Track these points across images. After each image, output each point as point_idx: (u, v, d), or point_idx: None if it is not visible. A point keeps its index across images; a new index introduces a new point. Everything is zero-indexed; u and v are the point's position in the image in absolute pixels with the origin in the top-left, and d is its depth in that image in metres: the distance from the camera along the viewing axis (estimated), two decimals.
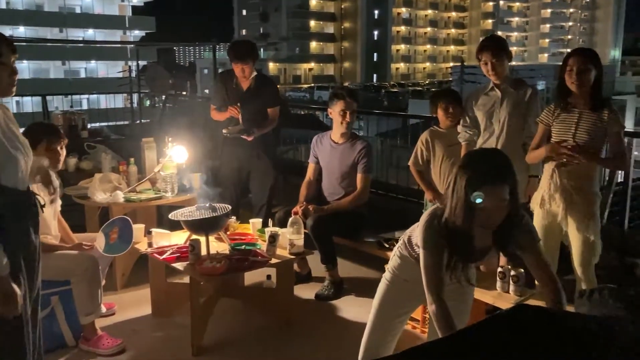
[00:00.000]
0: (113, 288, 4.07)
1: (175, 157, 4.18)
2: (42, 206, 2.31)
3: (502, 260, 3.55)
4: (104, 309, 3.31)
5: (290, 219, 3.44)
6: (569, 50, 4.28)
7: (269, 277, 3.84)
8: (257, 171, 4.53)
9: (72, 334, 3.27)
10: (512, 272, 3.08)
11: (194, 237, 3.34)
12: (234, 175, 4.54)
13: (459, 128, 3.62)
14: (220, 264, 3.09)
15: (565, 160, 3.00)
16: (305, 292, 4.06)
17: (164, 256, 3.31)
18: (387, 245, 3.78)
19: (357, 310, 3.75)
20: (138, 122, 9.65)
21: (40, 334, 2.32)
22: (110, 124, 9.71)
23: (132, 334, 3.44)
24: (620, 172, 4.39)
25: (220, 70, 7.08)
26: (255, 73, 4.42)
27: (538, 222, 3.21)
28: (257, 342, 3.38)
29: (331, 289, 4.00)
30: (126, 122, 10.80)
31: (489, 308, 3.29)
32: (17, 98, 28.47)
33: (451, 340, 1.36)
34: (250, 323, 3.63)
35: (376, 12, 62.59)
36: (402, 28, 67.54)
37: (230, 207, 3.49)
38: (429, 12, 70.05)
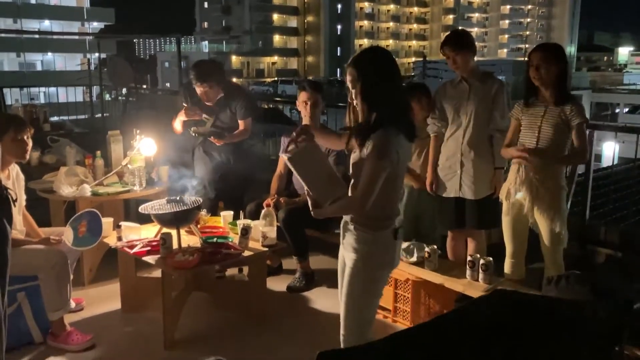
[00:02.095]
0: (80, 284, 4.00)
1: (143, 149, 4.11)
2: (14, 200, 2.25)
3: (471, 249, 3.65)
4: (73, 305, 3.25)
5: (263, 212, 3.44)
6: (527, 45, 4.36)
7: (240, 270, 3.83)
8: (228, 185, 4.29)
9: (39, 330, 3.20)
10: (482, 261, 3.16)
11: (165, 230, 3.31)
12: (207, 178, 4.38)
13: (429, 120, 3.67)
14: (192, 257, 3.06)
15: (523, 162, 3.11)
16: (277, 284, 4.06)
17: (135, 250, 3.26)
18: None
19: (328, 301, 3.77)
20: (98, 115, 9.45)
21: (5, 331, 2.26)
22: (71, 117, 9.48)
23: (102, 330, 3.39)
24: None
25: (183, 64, 6.92)
26: (221, 95, 4.13)
27: (506, 213, 3.29)
28: (230, 335, 3.37)
29: (303, 281, 4.01)
30: (86, 116, 10.56)
31: (459, 297, 3.37)
32: None
33: (436, 324, 1.40)
34: (222, 316, 3.61)
35: (339, 6, 62.70)
36: (365, 23, 67.92)
37: (201, 200, 3.46)
38: (392, 7, 70.60)
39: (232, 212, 3.76)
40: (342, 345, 2.33)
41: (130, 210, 4.51)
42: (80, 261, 3.92)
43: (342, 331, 2.35)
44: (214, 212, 4.05)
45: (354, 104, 2.28)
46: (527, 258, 3.41)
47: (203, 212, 3.77)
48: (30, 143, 3.21)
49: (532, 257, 3.40)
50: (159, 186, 4.28)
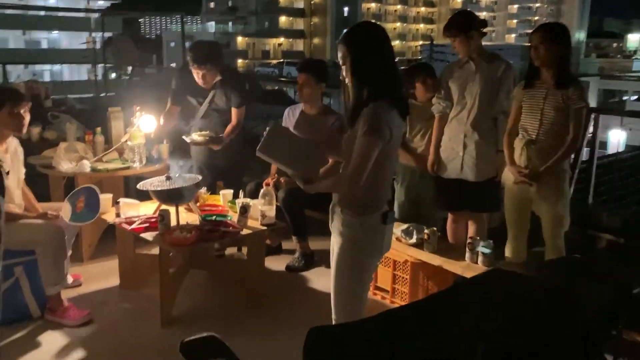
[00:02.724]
0: (79, 260, 4.00)
1: (143, 126, 4.08)
2: (7, 173, 2.23)
3: (471, 231, 3.62)
4: (70, 280, 3.25)
5: (262, 191, 3.41)
6: None
7: (239, 249, 3.82)
8: (227, 173, 4.23)
9: (37, 305, 3.20)
10: (481, 243, 3.13)
11: (163, 207, 3.29)
12: (205, 158, 4.32)
13: (434, 100, 3.62)
14: (190, 234, 3.05)
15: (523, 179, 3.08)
16: (276, 263, 4.05)
17: (133, 226, 3.25)
18: None
19: (327, 281, 3.71)
20: (103, 95, 9.42)
21: None
22: (75, 96, 9.46)
23: (100, 306, 3.39)
24: (586, 150, 4.49)
25: (187, 44, 6.78)
26: (218, 78, 3.99)
27: (508, 196, 3.25)
28: (227, 314, 3.37)
29: (302, 261, 4.00)
30: (90, 95, 10.52)
31: (457, 279, 3.35)
32: None
33: (429, 301, 1.37)
34: (220, 294, 3.61)
35: None
36: (372, 5, 67.23)
37: (200, 177, 3.44)
38: None
39: (231, 191, 3.74)
40: None
41: (130, 187, 4.48)
42: (79, 237, 3.92)
43: (333, 316, 2.32)
44: (213, 190, 4.03)
45: (345, 81, 2.23)
46: (529, 242, 3.39)
47: (203, 190, 3.75)
48: (27, 117, 3.18)
49: (534, 241, 3.37)
50: (159, 163, 4.26)
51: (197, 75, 3.94)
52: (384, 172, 2.22)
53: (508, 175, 3.23)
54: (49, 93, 6.05)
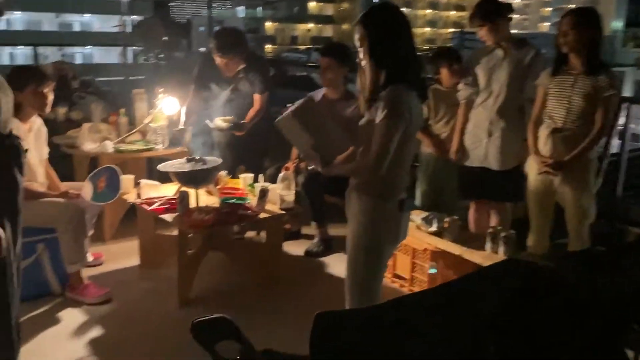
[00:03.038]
0: (101, 239, 4.04)
1: (165, 109, 4.09)
2: (25, 151, 2.25)
3: (494, 222, 3.55)
4: (90, 258, 3.29)
5: (281, 175, 3.39)
6: None
7: (258, 233, 3.82)
8: (248, 157, 4.16)
9: (58, 282, 3.24)
10: (503, 233, 3.07)
11: (184, 189, 3.30)
12: (227, 142, 4.31)
13: (460, 86, 3.55)
14: (209, 215, 3.05)
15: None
16: (295, 248, 4.04)
17: (153, 207, 3.27)
18: None
19: (345, 268, 3.73)
20: (133, 78, 9.47)
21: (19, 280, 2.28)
22: (103, 78, 9.54)
23: (119, 285, 3.42)
24: (617, 142, 4.37)
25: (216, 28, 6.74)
26: (242, 66, 3.97)
27: (531, 187, 3.18)
28: (244, 296, 3.37)
29: (320, 246, 3.98)
30: (120, 78, 10.59)
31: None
32: (9, 49, 27.99)
33: (442, 289, 1.33)
34: (237, 277, 3.62)
35: None
36: None
37: (220, 160, 3.43)
38: None
39: (251, 175, 3.73)
40: None
41: (152, 169, 4.51)
42: (101, 217, 3.96)
43: (346, 303, 2.29)
44: (234, 173, 4.03)
45: (362, 64, 2.18)
46: (554, 233, 3.31)
47: (223, 173, 3.75)
48: (51, 97, 3.20)
49: (558, 233, 3.30)
50: (181, 146, 4.27)
51: (220, 62, 3.92)
52: (402, 158, 2.17)
53: (532, 165, 3.16)
54: (77, 74, 6.11)
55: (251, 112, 4.04)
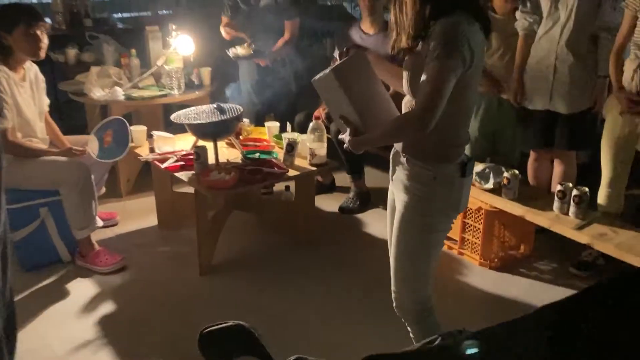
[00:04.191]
0: (117, 195, 3.72)
1: (180, 48, 3.63)
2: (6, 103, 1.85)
3: (558, 173, 3.08)
4: (100, 223, 2.95)
5: (311, 125, 2.94)
6: None
7: (287, 188, 3.42)
8: (278, 102, 3.78)
9: (66, 248, 2.93)
10: (575, 192, 2.59)
11: (200, 143, 2.90)
12: (254, 83, 3.87)
13: (518, 14, 2.99)
14: (229, 175, 2.65)
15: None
16: (328, 203, 3.65)
17: (166, 164, 2.88)
18: None
19: (384, 225, 3.32)
20: (153, 14, 8.89)
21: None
22: (122, 15, 8.99)
23: (135, 249, 3.10)
24: None
25: None
26: None
27: (612, 130, 2.67)
28: (273, 261, 3.02)
29: (357, 201, 3.57)
30: (144, 14, 9.98)
31: (538, 228, 2.85)
32: None
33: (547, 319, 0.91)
34: (265, 239, 3.26)
35: None
36: None
37: (242, 109, 3.00)
38: None
39: (277, 124, 3.30)
40: (394, 304, 1.88)
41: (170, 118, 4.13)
42: (116, 171, 3.62)
43: (392, 287, 1.88)
44: (259, 121, 3.60)
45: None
46: (632, 184, 2.84)
47: (246, 121, 3.32)
48: (45, 39, 2.78)
49: (629, 183, 2.83)
50: (201, 90, 3.84)
51: None
52: (462, 108, 1.71)
53: (612, 104, 2.64)
54: (90, 11, 5.64)
55: (280, 42, 3.61)
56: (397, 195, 1.83)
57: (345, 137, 1.79)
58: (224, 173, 2.67)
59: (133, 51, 3.92)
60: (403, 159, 1.77)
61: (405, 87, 1.74)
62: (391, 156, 1.86)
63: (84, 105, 4.00)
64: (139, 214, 3.50)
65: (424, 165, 1.72)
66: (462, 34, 1.58)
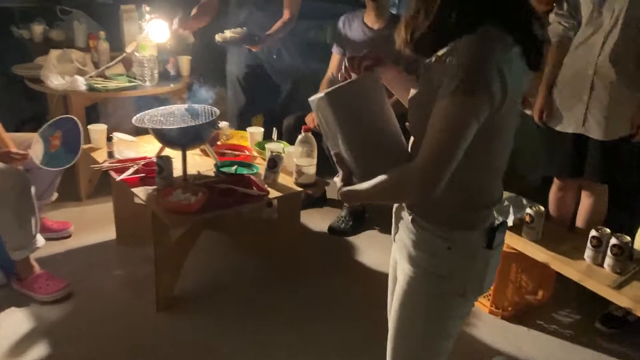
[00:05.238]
0: (76, 198, 3.27)
1: (153, 34, 3.14)
2: None
3: (586, 207, 2.63)
4: (40, 243, 2.45)
5: (300, 137, 2.46)
6: None
7: (269, 203, 2.96)
8: (263, 101, 3.38)
9: (1, 269, 2.46)
10: (613, 240, 2.14)
11: (165, 153, 2.44)
12: (240, 74, 3.40)
13: (551, 17, 2.52)
14: (195, 197, 2.18)
15: None
16: (316, 220, 3.19)
17: (125, 175, 2.40)
18: None
19: (378, 252, 2.89)
20: None
21: None
22: None
23: (86, 270, 2.64)
24: None
25: None
26: None
27: None
28: (247, 294, 2.57)
29: (349, 221, 3.12)
30: None
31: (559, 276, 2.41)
32: None
33: None
34: (240, 265, 2.80)
35: None
36: None
37: (218, 112, 2.53)
38: None
39: (261, 130, 2.82)
40: None
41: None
42: (75, 170, 3.14)
43: None
44: (243, 122, 3.14)
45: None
46: None
47: (225, 125, 2.85)
48: None
49: None
50: (177, 82, 3.36)
51: None
52: (491, 161, 1.24)
53: None
54: None
55: (278, 24, 3.10)
56: (399, 263, 1.37)
57: (337, 181, 1.33)
58: (189, 193, 2.21)
59: (102, 33, 3.42)
60: (407, 218, 1.31)
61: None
62: (393, 212, 1.40)
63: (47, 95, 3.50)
64: (98, 223, 3.04)
65: (436, 231, 1.26)
66: (493, 62, 1.10)
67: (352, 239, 3.06)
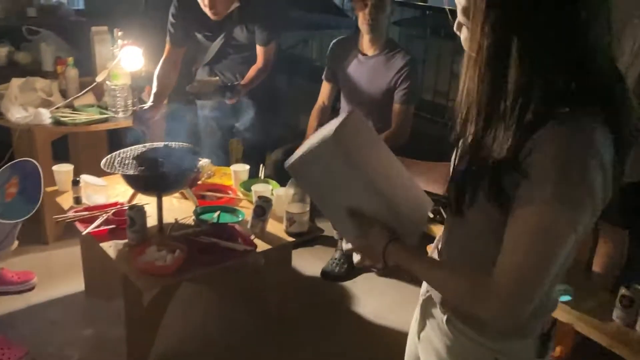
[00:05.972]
0: (41, 241, 2.95)
1: (126, 62, 2.86)
2: None
3: (602, 251, 2.39)
4: None
5: (291, 180, 2.20)
6: None
7: (257, 260, 2.67)
8: (247, 134, 3.01)
9: None
10: None
11: (137, 202, 2.16)
12: (218, 123, 3.05)
13: None
14: (172, 256, 1.90)
15: None
16: (307, 263, 2.92)
17: (92, 227, 2.11)
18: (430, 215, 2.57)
19: (378, 299, 2.62)
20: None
21: None
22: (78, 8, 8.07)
23: (49, 330, 2.34)
24: None
25: None
26: (236, 5, 2.67)
27: None
28: (234, 350, 2.29)
29: (344, 264, 2.85)
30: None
31: (580, 338, 2.16)
32: None
33: None
34: (225, 320, 2.52)
35: None
36: None
37: (198, 152, 2.25)
38: None
39: (247, 167, 2.55)
40: None
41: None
42: (41, 210, 2.83)
43: None
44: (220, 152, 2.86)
45: (466, 65, 0.93)
46: None
47: (206, 162, 2.58)
48: None
49: None
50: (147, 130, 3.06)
51: (202, 2, 2.63)
52: (569, 259, 0.95)
53: None
54: None
55: (252, 72, 2.77)
56: None
57: (353, 246, 1.09)
58: (165, 251, 1.93)
59: (70, 59, 3.12)
60: (441, 317, 1.05)
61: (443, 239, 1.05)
62: (420, 304, 1.15)
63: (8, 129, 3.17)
64: (65, 270, 2.74)
65: (479, 338, 1.00)
66: (596, 158, 0.84)
67: (347, 284, 2.80)
